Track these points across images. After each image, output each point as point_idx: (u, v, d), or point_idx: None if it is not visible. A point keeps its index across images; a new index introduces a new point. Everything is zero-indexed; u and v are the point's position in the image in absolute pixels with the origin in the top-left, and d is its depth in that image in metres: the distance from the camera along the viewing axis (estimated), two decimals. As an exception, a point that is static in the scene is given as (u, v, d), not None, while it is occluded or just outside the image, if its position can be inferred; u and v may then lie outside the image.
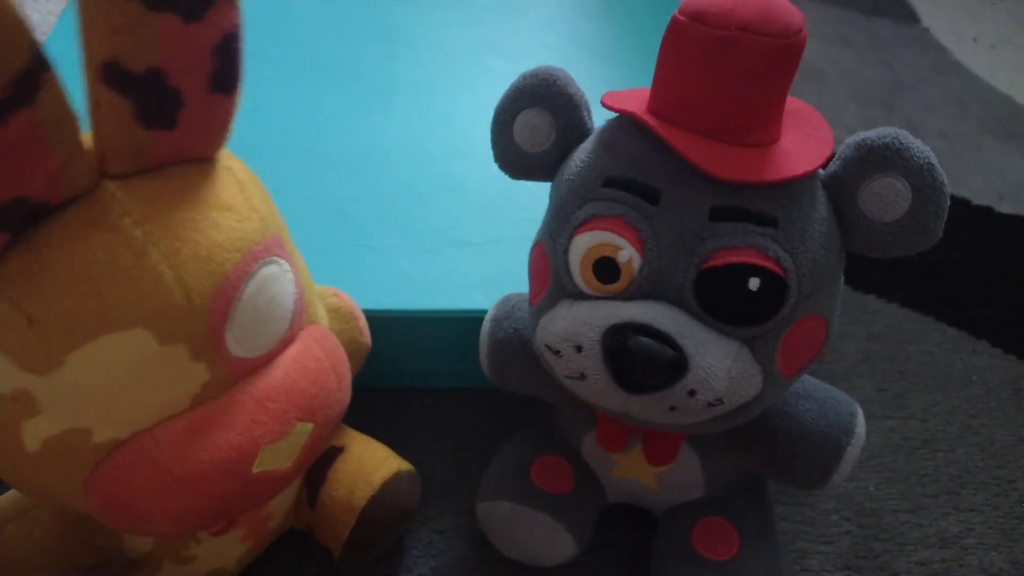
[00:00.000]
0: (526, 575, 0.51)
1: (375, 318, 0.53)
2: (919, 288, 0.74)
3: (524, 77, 0.40)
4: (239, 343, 0.33)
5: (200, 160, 0.33)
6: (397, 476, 0.48)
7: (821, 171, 0.37)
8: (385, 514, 0.46)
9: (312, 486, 0.47)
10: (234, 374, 0.33)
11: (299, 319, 0.37)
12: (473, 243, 0.58)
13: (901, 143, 0.35)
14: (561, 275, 0.39)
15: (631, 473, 0.48)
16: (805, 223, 0.35)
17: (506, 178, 0.44)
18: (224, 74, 0.30)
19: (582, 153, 0.39)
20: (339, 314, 0.48)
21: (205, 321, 0.31)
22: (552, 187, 0.42)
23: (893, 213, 0.35)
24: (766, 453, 0.44)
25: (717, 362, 0.35)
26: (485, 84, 0.73)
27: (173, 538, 0.34)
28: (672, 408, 0.36)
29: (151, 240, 0.29)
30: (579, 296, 0.38)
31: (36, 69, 0.24)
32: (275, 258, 0.34)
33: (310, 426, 0.35)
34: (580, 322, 0.37)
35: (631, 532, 0.53)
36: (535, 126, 0.41)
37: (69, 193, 0.28)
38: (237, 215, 0.33)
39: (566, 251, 0.38)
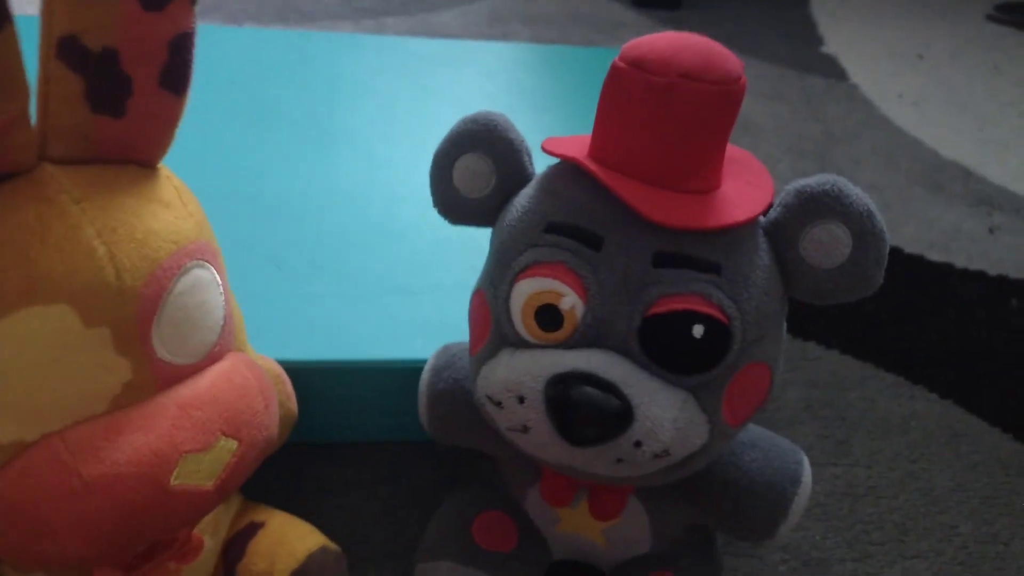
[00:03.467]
0: (468, 639, 0.48)
1: (309, 369, 0.51)
2: (856, 335, 0.75)
3: (464, 121, 0.40)
4: (166, 344, 0.32)
5: (141, 163, 0.33)
6: (323, 551, 0.45)
7: (762, 218, 0.37)
8: None
9: (229, 562, 0.44)
10: (158, 379, 0.32)
11: (228, 337, 0.36)
12: (412, 291, 0.57)
13: (840, 190, 0.35)
14: (502, 323, 0.37)
15: (577, 528, 0.47)
16: (748, 270, 0.35)
17: (446, 225, 0.43)
18: (175, 72, 0.31)
19: (523, 199, 0.39)
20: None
21: (134, 306, 0.30)
22: (492, 233, 0.41)
23: (834, 259, 0.35)
24: (713, 505, 0.43)
25: (663, 412, 0.34)
26: (424, 131, 0.73)
27: (77, 560, 0.31)
28: (618, 460, 0.35)
29: (87, 216, 0.29)
30: (521, 344, 0.37)
31: None
32: (207, 264, 0.34)
33: (234, 444, 0.33)
34: (522, 371, 0.35)
35: (577, 590, 0.51)
36: (475, 171, 0.40)
37: (6, 167, 0.28)
38: (174, 212, 0.33)
39: (507, 298, 0.37)
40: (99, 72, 0.29)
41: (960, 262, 0.87)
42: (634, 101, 0.33)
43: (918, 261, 0.86)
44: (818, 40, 1.38)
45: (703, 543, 0.48)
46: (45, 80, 0.28)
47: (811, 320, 0.76)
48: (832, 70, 1.28)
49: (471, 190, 0.40)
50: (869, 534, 0.58)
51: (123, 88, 0.30)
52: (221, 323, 0.35)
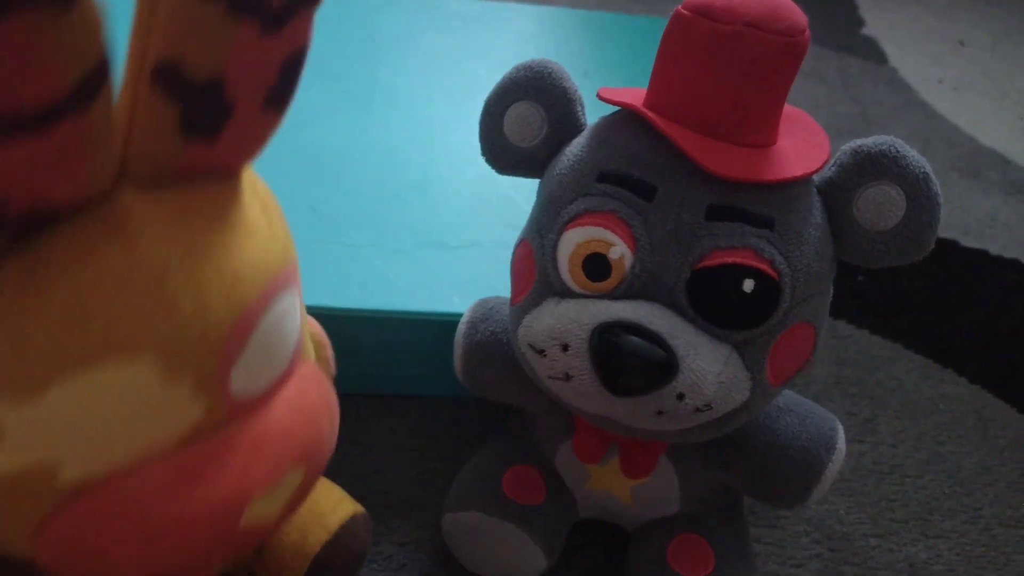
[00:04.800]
0: (492, 590, 0.49)
1: (345, 317, 0.51)
2: (887, 315, 0.74)
3: (517, 69, 0.39)
4: (242, 380, 0.29)
5: (226, 174, 0.29)
6: (353, 520, 0.44)
7: (816, 177, 0.37)
8: (340, 559, 0.43)
9: None
10: (231, 414, 0.30)
11: (298, 355, 0.33)
12: (450, 246, 0.56)
13: (897, 151, 0.34)
14: (548, 272, 0.37)
15: (606, 486, 0.47)
16: (801, 227, 0.34)
17: (484, 182, 0.43)
18: (282, 91, 0.27)
19: (575, 147, 0.38)
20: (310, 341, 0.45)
21: (218, 354, 0.27)
22: (541, 183, 0.41)
23: (887, 221, 0.35)
24: (746, 467, 0.43)
25: (708, 365, 0.34)
26: (465, 90, 0.72)
27: None
28: (659, 413, 0.35)
29: (174, 260, 0.26)
30: (567, 294, 0.37)
31: (101, 71, 0.20)
32: (291, 288, 0.31)
33: (301, 473, 0.31)
34: (568, 320, 0.35)
35: (602, 548, 0.51)
36: (527, 119, 0.39)
37: (80, 197, 0.24)
38: (261, 239, 0.29)
39: (555, 247, 0.37)
40: (200, 101, 0.24)
41: (995, 249, 0.86)
42: (697, 49, 0.33)
43: (952, 246, 0.85)
44: (859, 22, 1.35)
45: (730, 507, 0.48)
46: (131, 101, 0.24)
47: (842, 298, 0.75)
48: (871, 52, 1.25)
49: (521, 138, 0.40)
50: (893, 511, 0.58)
51: (223, 114, 0.25)
52: (294, 346, 0.32)
